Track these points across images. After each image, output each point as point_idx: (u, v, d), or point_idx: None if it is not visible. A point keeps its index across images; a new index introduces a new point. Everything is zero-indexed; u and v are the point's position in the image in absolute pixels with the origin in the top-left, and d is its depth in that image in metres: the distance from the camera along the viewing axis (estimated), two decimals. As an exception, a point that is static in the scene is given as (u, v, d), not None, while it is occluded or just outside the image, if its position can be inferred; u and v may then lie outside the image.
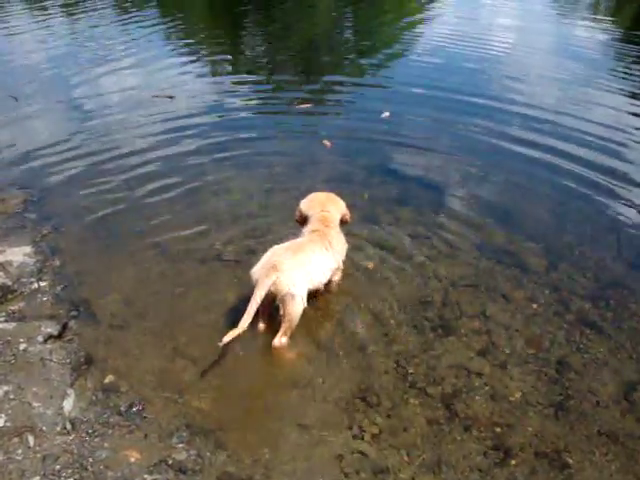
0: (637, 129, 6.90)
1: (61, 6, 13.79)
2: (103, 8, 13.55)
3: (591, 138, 6.53)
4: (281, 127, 6.78)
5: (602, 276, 4.35)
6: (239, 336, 3.24)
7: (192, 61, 9.39)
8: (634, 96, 8.21)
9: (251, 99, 7.66)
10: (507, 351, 3.61)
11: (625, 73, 9.29)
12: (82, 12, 13.10)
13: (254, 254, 4.33)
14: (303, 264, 3.53)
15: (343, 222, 4.07)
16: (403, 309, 3.90)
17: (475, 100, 7.64)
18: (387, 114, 6.84)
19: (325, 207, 3.95)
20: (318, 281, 3.70)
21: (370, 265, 4.31)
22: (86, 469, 2.67)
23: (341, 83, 8.61)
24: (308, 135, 6.54)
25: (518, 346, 3.65)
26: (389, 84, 8.46)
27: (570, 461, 2.94)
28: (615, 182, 5.64)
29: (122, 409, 3.04)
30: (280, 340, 3.53)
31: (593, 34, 12.15)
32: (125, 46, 10.19)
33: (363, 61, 9.95)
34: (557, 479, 2.85)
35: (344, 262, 3.98)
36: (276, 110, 7.32)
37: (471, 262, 4.41)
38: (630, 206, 5.25)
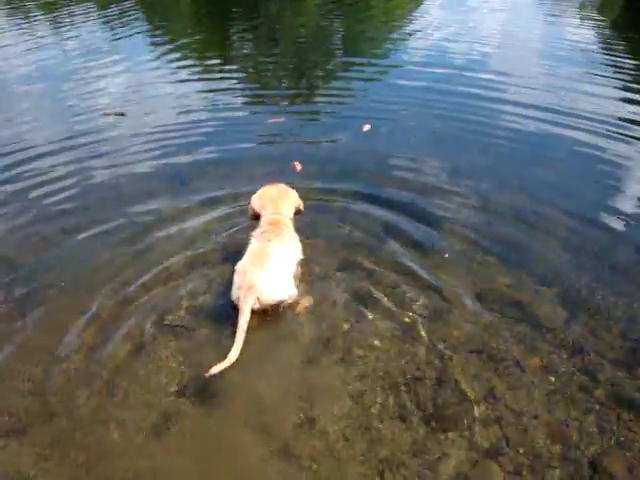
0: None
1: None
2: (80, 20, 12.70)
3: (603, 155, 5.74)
4: (248, 149, 5.84)
5: (632, 329, 3.52)
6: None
7: (161, 74, 8.50)
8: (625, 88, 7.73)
9: (216, 115, 6.77)
10: (522, 450, 2.76)
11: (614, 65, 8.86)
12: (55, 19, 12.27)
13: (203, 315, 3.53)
14: (276, 267, 3.44)
15: (297, 213, 4.01)
16: (388, 392, 3.04)
17: (462, 106, 6.92)
18: (368, 127, 6.00)
19: (278, 207, 3.82)
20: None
21: (344, 326, 3.44)
22: None
23: (320, 92, 7.81)
24: (278, 156, 5.62)
25: (538, 441, 2.80)
26: (372, 92, 7.67)
27: None
28: (634, 207, 4.83)
29: None
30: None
31: (580, 29, 11.80)
32: (85, 56, 9.38)
33: (346, 68, 9.10)
34: None
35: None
36: (243, 129, 6.40)
37: (470, 319, 3.55)
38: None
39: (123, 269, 3.96)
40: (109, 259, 4.09)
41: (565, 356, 3.30)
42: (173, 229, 4.44)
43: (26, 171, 5.39)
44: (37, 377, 3.14)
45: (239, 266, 3.45)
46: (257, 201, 3.89)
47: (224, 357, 3.04)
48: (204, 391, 3.05)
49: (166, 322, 3.50)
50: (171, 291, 3.75)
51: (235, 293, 3.35)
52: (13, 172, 5.40)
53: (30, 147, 5.89)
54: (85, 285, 3.83)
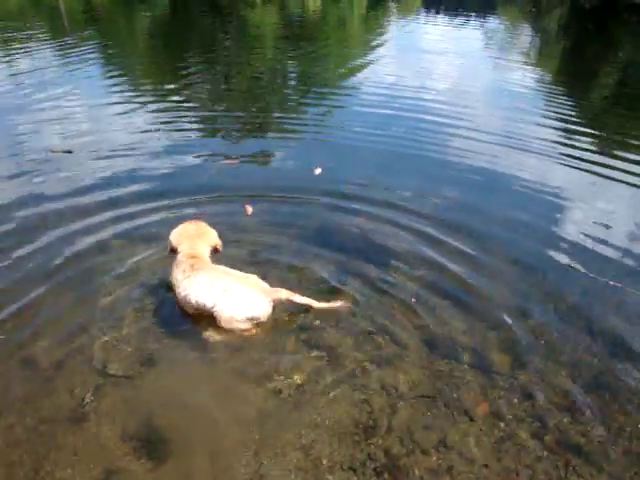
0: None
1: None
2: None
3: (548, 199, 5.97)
4: (199, 189, 5.71)
5: (578, 373, 3.59)
6: None
7: (114, 111, 8.38)
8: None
9: (169, 154, 6.69)
10: (475, 500, 2.75)
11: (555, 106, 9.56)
12: None
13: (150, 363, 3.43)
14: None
15: (216, 251, 4.06)
16: (339, 442, 2.99)
17: (411, 150, 7.16)
18: (319, 171, 6.04)
19: (194, 245, 3.88)
20: None
21: (298, 379, 3.39)
22: None
23: (275, 133, 7.87)
24: (230, 197, 5.57)
25: (489, 492, 2.80)
26: (326, 135, 7.77)
27: None
28: (579, 245, 5.01)
29: None
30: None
31: (523, 76, 12.76)
32: (36, 90, 9.21)
33: (301, 107, 9.25)
34: None
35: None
36: (197, 169, 6.31)
37: (423, 364, 3.56)
38: (598, 274, 4.59)
39: (66, 313, 3.82)
40: (52, 301, 3.93)
41: (515, 401, 3.33)
42: (119, 270, 4.33)
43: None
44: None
45: (234, 288, 3.63)
46: (175, 236, 3.97)
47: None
48: (150, 444, 2.93)
49: (110, 371, 3.36)
50: (115, 337, 3.63)
51: (263, 305, 3.67)
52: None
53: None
54: (26, 332, 3.64)
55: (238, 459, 2.88)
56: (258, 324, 3.68)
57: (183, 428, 3.03)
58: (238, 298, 3.60)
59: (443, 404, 3.27)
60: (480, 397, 3.34)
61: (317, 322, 3.82)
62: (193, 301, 3.65)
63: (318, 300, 3.83)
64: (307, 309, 3.87)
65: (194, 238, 3.93)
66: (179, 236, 3.96)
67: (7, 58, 11.86)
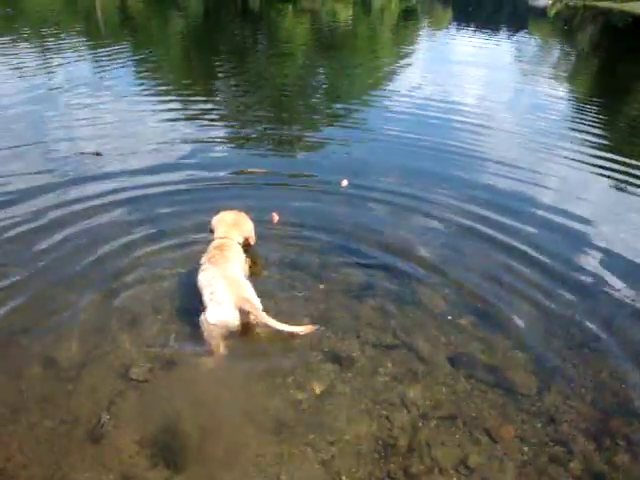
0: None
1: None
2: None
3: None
4: (225, 197, 5.65)
5: (602, 399, 3.50)
6: None
7: (144, 115, 8.46)
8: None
9: (195, 159, 6.72)
10: (495, 526, 2.68)
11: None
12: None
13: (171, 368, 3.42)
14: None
15: (247, 244, 4.30)
16: (358, 459, 2.94)
17: (440, 161, 7.19)
18: (346, 182, 6.00)
19: (227, 232, 4.15)
20: None
21: (317, 389, 3.35)
22: None
23: (302, 143, 7.81)
24: (256, 206, 5.47)
25: (510, 519, 2.73)
26: (353, 145, 7.75)
27: None
28: (609, 266, 4.90)
29: None
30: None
31: (553, 90, 12.91)
32: (69, 92, 9.36)
33: (328, 120, 9.23)
34: None
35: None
36: (223, 175, 6.29)
37: (446, 382, 3.50)
38: (628, 296, 4.48)
39: (88, 314, 3.84)
40: (74, 302, 3.94)
41: (538, 425, 3.25)
42: (141, 271, 4.34)
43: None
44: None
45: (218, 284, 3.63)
46: (215, 221, 4.29)
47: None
48: (167, 451, 2.91)
49: (131, 375, 3.35)
50: (136, 340, 3.63)
51: (228, 311, 3.55)
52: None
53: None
54: (49, 332, 3.66)
55: (256, 470, 2.85)
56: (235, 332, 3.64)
57: (200, 436, 3.00)
58: (213, 307, 3.56)
59: (465, 424, 3.20)
60: (504, 418, 3.27)
61: (339, 333, 3.79)
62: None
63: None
64: (327, 320, 3.85)
65: (229, 226, 4.19)
66: (217, 222, 4.26)
67: (42, 58, 12.06)
